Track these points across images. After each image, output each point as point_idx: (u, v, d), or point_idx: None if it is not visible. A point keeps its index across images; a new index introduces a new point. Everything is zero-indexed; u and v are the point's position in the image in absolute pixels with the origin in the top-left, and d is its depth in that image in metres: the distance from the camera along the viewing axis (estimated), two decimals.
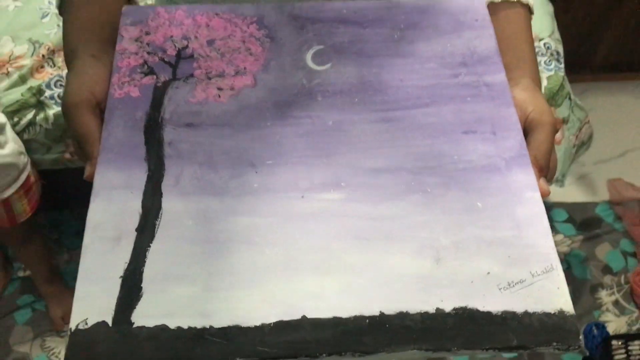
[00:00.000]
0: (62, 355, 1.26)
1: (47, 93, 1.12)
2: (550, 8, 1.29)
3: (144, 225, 0.39)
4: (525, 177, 0.41)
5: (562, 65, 1.19)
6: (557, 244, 1.42)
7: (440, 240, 0.38)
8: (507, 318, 0.36)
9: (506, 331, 0.35)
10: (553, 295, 0.36)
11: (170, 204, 0.40)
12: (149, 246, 0.38)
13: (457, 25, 0.49)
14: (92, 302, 0.36)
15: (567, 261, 1.40)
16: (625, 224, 1.46)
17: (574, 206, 1.51)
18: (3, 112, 1.06)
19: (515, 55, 0.50)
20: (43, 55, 1.16)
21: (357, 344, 0.35)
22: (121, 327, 0.35)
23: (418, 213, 0.39)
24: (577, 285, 1.36)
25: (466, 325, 0.35)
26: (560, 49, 1.22)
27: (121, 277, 0.37)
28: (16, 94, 1.10)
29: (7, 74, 1.12)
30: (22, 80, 1.13)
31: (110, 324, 0.35)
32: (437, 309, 0.36)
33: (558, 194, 1.53)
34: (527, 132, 0.45)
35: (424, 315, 0.36)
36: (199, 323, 0.35)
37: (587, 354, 1.21)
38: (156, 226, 0.39)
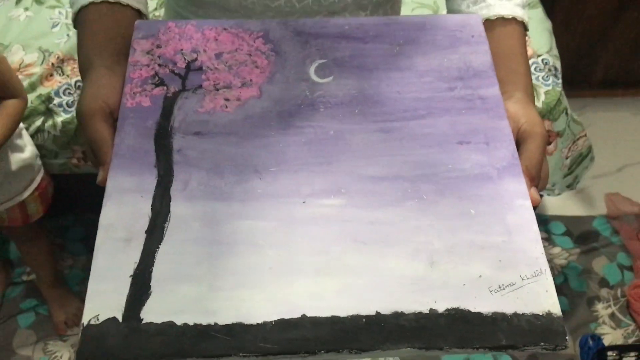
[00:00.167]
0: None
1: (56, 101, 1.15)
2: (548, 25, 1.31)
3: (153, 228, 0.40)
4: (517, 186, 0.43)
5: (560, 81, 1.21)
6: (554, 256, 1.44)
7: (435, 245, 0.40)
8: (497, 319, 0.37)
9: (496, 331, 0.37)
10: (541, 298, 0.38)
11: (178, 207, 0.41)
12: (158, 247, 0.40)
13: (453, 41, 0.51)
14: (103, 299, 0.37)
15: (565, 274, 1.41)
16: (622, 238, 1.47)
17: (571, 219, 1.52)
18: None
19: (509, 70, 0.52)
20: (52, 64, 1.19)
21: (354, 342, 0.36)
22: (131, 323, 0.37)
23: (414, 218, 0.41)
24: (574, 297, 1.37)
25: (458, 325, 0.37)
26: (558, 65, 1.24)
27: (131, 276, 0.38)
28: None
29: None
30: (32, 87, 1.16)
31: (120, 319, 0.37)
32: (431, 310, 0.38)
33: (556, 207, 1.54)
34: (519, 143, 0.47)
35: (418, 315, 0.37)
36: (204, 320, 0.37)
37: None
38: (165, 228, 0.40)
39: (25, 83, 1.14)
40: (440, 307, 0.38)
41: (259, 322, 0.37)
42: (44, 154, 1.14)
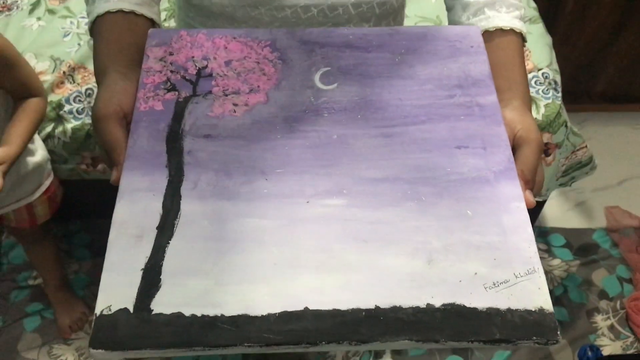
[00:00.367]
0: None
1: (67, 108, 1.17)
2: (549, 40, 1.33)
3: (164, 224, 0.42)
4: (512, 189, 0.44)
5: (560, 95, 1.23)
6: (554, 268, 1.45)
7: (433, 244, 0.42)
8: (492, 314, 0.39)
9: (490, 326, 0.38)
10: (534, 295, 0.40)
11: (188, 206, 0.43)
12: (168, 243, 0.41)
13: (453, 51, 0.53)
14: (115, 291, 0.39)
15: (564, 285, 1.42)
16: (621, 251, 1.48)
17: (571, 232, 1.53)
18: None
19: (506, 79, 0.54)
20: (64, 72, 1.21)
21: (354, 334, 0.38)
22: (141, 314, 0.38)
23: (413, 219, 0.43)
24: (574, 309, 1.37)
25: (453, 319, 0.39)
26: (558, 79, 1.26)
27: (142, 269, 0.40)
28: None
29: None
30: None
31: (131, 310, 0.38)
32: (428, 304, 0.39)
33: (556, 219, 1.56)
34: (515, 148, 0.49)
35: (416, 310, 0.39)
36: (211, 312, 0.38)
37: None
38: (175, 225, 0.42)
39: None
40: (437, 302, 0.39)
41: (263, 314, 0.38)
42: (54, 159, 1.16)
